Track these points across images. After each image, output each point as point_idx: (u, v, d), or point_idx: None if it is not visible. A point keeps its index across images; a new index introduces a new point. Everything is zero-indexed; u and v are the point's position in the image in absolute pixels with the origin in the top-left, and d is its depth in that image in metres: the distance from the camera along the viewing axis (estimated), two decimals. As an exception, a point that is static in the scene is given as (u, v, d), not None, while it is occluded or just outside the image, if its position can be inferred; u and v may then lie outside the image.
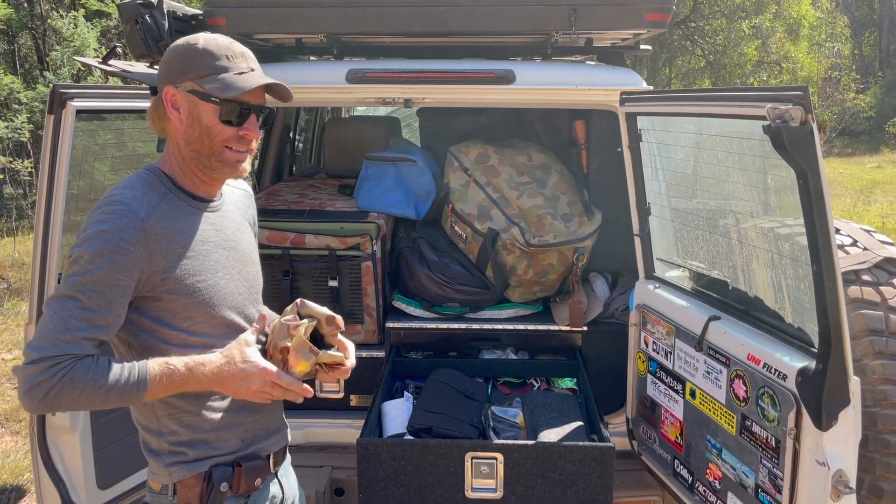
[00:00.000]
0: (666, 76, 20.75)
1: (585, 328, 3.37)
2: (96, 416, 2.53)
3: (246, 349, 1.63)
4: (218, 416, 1.70)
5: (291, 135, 5.33)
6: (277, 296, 3.38)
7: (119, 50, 3.31)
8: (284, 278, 3.35)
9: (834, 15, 26.04)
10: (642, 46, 3.60)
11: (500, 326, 3.44)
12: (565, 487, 2.61)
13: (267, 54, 3.58)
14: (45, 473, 2.49)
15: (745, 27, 18.68)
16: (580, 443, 2.65)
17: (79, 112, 2.34)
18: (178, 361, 1.56)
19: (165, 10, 3.10)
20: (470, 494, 2.63)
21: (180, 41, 1.67)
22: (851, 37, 30.02)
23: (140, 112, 2.80)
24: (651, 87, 3.15)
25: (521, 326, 3.43)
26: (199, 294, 1.63)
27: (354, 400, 3.37)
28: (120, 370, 1.51)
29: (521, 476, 2.62)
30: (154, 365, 1.54)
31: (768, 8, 18.86)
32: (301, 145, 5.85)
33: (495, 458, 2.60)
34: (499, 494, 2.62)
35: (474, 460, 2.61)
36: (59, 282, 2.43)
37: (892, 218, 11.99)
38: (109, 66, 3.24)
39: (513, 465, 2.61)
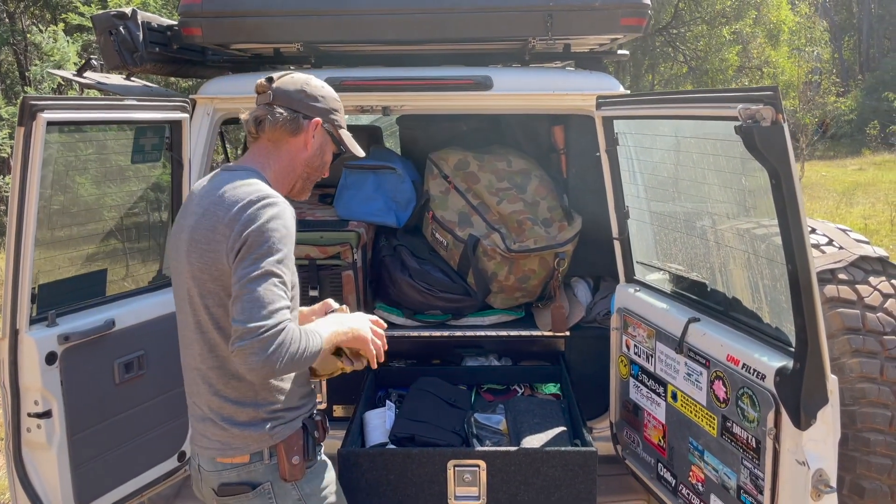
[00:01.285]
0: (649, 83, 20.88)
1: (568, 333, 3.37)
2: (73, 432, 2.50)
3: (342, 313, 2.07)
4: (299, 384, 2.00)
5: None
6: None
7: (95, 62, 3.30)
8: (265, 289, 3.32)
9: (813, 20, 26.30)
10: (620, 51, 3.62)
11: (482, 333, 3.43)
12: (549, 493, 2.61)
13: (244, 64, 3.57)
14: (22, 491, 2.45)
15: (726, 33, 18.83)
16: (563, 448, 2.65)
17: (51, 124, 2.31)
18: (318, 326, 1.89)
19: (140, 22, 3.09)
20: (453, 503, 2.61)
21: (330, 89, 2.05)
22: (831, 41, 30.36)
23: (116, 123, 2.78)
24: (627, 91, 3.16)
25: (503, 333, 3.42)
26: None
27: (338, 410, 3.35)
28: (308, 335, 1.77)
29: (505, 483, 2.61)
30: (317, 329, 1.84)
31: (748, 13, 19.02)
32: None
33: (478, 466, 2.60)
34: (482, 502, 2.61)
35: (457, 468, 2.60)
36: (33, 301, 2.41)
37: (874, 219, 12.10)
38: (85, 78, 3.22)
39: (496, 472, 2.61)
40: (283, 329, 1.69)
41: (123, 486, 2.71)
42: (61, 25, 11.27)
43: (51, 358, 2.41)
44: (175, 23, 3.20)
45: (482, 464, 2.60)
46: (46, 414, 2.42)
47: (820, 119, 21.04)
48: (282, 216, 1.79)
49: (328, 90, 2.04)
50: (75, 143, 2.92)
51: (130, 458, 2.73)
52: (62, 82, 10.62)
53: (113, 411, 2.65)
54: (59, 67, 10.66)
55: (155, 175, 3.21)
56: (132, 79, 3.43)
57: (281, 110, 1.93)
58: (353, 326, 1.97)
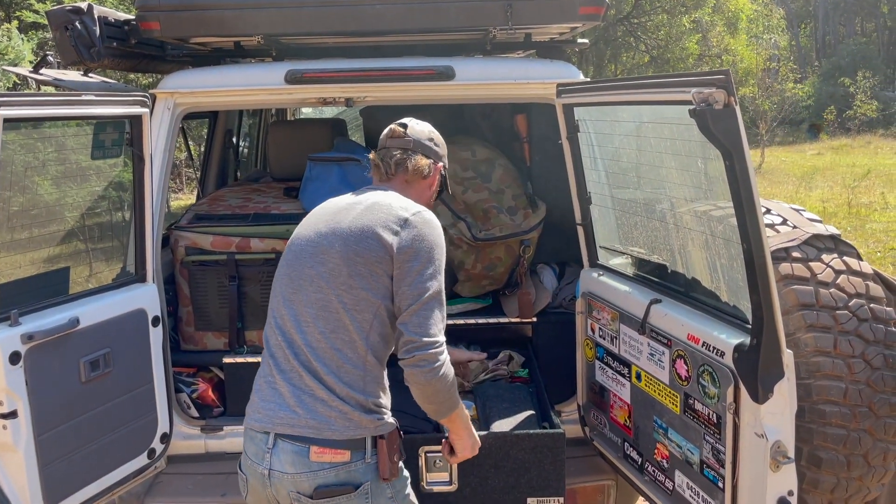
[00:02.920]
0: (612, 72, 21.07)
1: (535, 319, 3.41)
2: (40, 432, 2.47)
3: None
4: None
5: (235, 140, 5.28)
6: (224, 302, 3.35)
7: (51, 59, 3.25)
8: (231, 283, 3.32)
9: (770, 7, 26.76)
10: (580, 40, 3.66)
11: (450, 322, 3.45)
12: (518, 476, 2.65)
13: (205, 58, 3.55)
14: (-11, 493, 2.43)
15: (686, 22, 19.09)
16: (531, 431, 2.69)
17: (7, 121, 2.28)
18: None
19: (96, 16, 3.05)
20: (425, 488, 2.65)
21: (438, 133, 2.38)
22: (788, 28, 30.89)
23: (74, 119, 2.75)
24: (588, 80, 3.21)
25: (471, 321, 3.46)
26: None
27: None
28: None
29: (475, 467, 2.64)
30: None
31: (707, 2, 19.29)
32: (246, 151, 5.80)
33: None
34: (453, 486, 2.66)
35: (428, 454, 2.64)
36: None
37: (832, 202, 12.39)
38: (41, 75, 3.17)
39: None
40: (445, 349, 2.05)
41: (93, 484, 2.69)
42: (15, 23, 11.01)
43: (14, 358, 2.38)
44: (133, 17, 3.17)
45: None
46: (12, 414, 2.39)
47: (810, 124, 21.54)
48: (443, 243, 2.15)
49: (441, 138, 2.39)
50: (33, 143, 2.88)
51: (99, 456, 2.71)
52: (18, 81, 10.39)
53: (80, 410, 2.63)
54: (15, 66, 10.43)
55: (115, 173, 3.18)
56: (90, 75, 3.38)
57: (420, 157, 2.26)
58: (475, 442, 2.29)
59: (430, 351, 1.98)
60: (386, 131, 2.32)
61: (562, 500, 2.67)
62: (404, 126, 2.29)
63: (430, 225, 2.11)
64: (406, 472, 2.18)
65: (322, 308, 2.05)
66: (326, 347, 2.04)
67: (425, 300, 2.01)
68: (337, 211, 2.18)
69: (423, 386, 2.02)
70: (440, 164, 2.34)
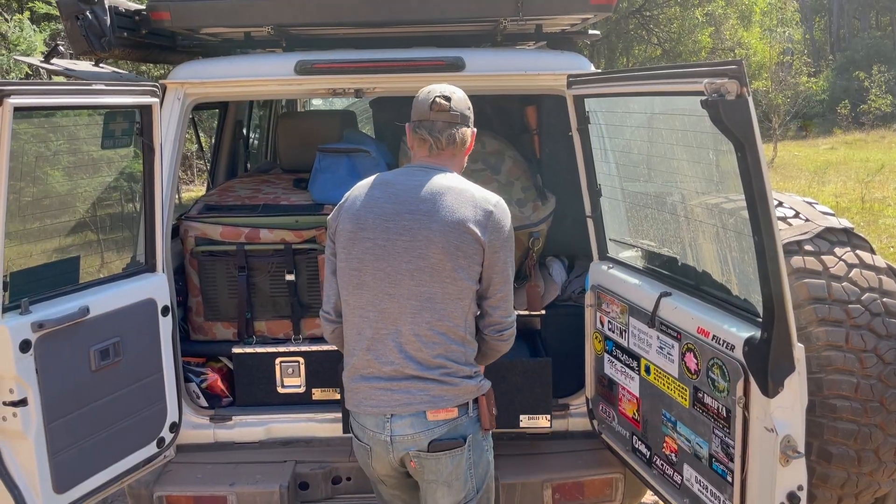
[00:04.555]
0: (623, 66, 20.96)
1: (543, 311, 3.40)
2: (50, 420, 2.49)
3: None
4: None
5: (245, 131, 5.28)
6: (233, 292, 3.35)
7: (62, 48, 3.25)
8: (240, 274, 3.33)
9: (784, 1, 26.53)
10: (591, 31, 3.64)
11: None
12: (512, 397, 3.06)
13: (214, 49, 3.55)
14: (-1, 480, 2.45)
15: (699, 15, 18.94)
16: (522, 359, 3.14)
17: (18, 109, 2.28)
18: None
19: (107, 6, 3.05)
20: None
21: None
22: (802, 22, 30.63)
23: (84, 108, 2.75)
24: (598, 70, 3.19)
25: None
26: None
27: (317, 394, 3.36)
28: None
29: None
30: None
31: (720, -5, 19.16)
32: (256, 142, 5.81)
33: None
34: None
35: None
36: (4, 289, 2.40)
37: (845, 197, 12.30)
38: (52, 64, 3.18)
39: None
40: None
41: (102, 472, 2.71)
42: (27, 14, 11.05)
43: (25, 346, 2.40)
44: (143, 7, 3.17)
45: None
46: (22, 402, 2.41)
47: (800, 125, 21.37)
48: None
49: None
50: (45, 133, 2.89)
51: (109, 444, 2.73)
52: (30, 71, 10.44)
53: (90, 398, 2.64)
54: (27, 56, 10.47)
55: (125, 163, 3.19)
56: (101, 65, 3.39)
57: (465, 129, 2.33)
58: None
59: (513, 329, 2.34)
60: (427, 103, 2.29)
61: (549, 416, 3.10)
62: (448, 98, 2.29)
63: (507, 215, 2.30)
64: None
65: (427, 300, 2.20)
66: (433, 334, 2.21)
67: (509, 286, 2.30)
68: (411, 200, 2.23)
69: (501, 351, 2.37)
70: (474, 129, 2.41)
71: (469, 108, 2.36)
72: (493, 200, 2.27)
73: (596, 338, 3.05)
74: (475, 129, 2.40)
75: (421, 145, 2.33)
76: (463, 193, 2.24)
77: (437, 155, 2.32)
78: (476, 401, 2.29)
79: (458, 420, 2.25)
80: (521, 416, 3.08)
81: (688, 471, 2.47)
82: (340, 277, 2.29)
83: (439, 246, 2.18)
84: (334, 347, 3.37)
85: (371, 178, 2.35)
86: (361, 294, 2.25)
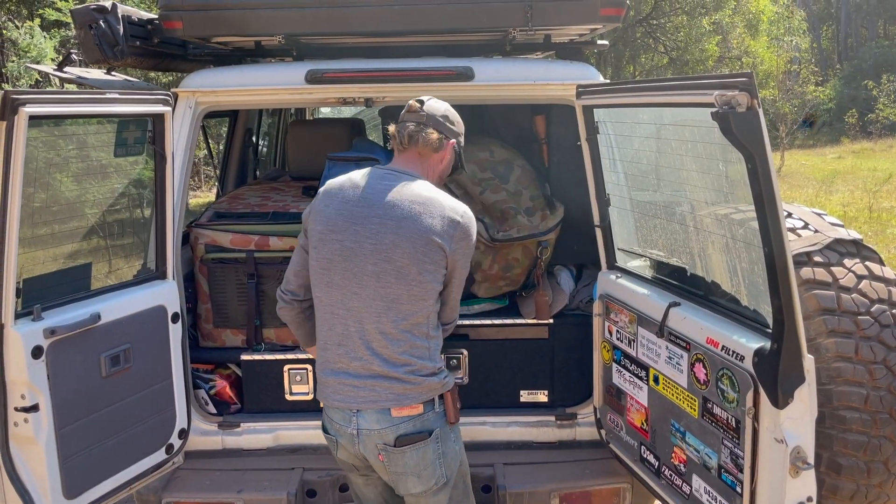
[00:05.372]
0: (630, 74, 20.98)
1: (551, 321, 3.40)
2: (60, 426, 2.50)
3: None
4: None
5: (254, 138, 5.31)
6: (242, 299, 3.37)
7: (75, 57, 3.28)
8: (250, 281, 3.34)
9: (791, 9, 26.53)
10: (599, 42, 3.65)
11: (467, 322, 3.46)
12: (514, 374, 3.34)
13: (225, 58, 3.57)
14: (10, 485, 2.45)
15: (706, 23, 18.95)
16: (523, 338, 3.35)
17: (33, 118, 2.31)
18: None
19: (120, 15, 3.08)
20: None
21: (455, 111, 2.51)
22: (809, 30, 30.61)
23: (98, 117, 2.78)
24: (607, 81, 3.20)
25: (487, 321, 3.45)
26: None
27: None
28: None
29: (481, 367, 3.34)
30: None
31: (727, 4, 19.14)
32: (265, 150, 5.83)
33: (461, 353, 3.32)
34: (465, 381, 3.32)
35: (446, 356, 3.26)
36: (17, 296, 2.42)
37: (852, 206, 12.27)
38: (65, 73, 3.21)
39: (475, 357, 3.34)
40: None
41: (112, 478, 2.72)
42: (38, 21, 11.14)
43: (37, 352, 2.42)
44: (156, 16, 3.20)
45: (465, 351, 3.31)
46: (34, 408, 2.42)
47: (806, 116, 21.22)
48: None
49: (459, 117, 2.52)
50: (55, 140, 2.91)
51: (118, 451, 2.74)
52: (40, 78, 10.52)
53: (100, 404, 2.65)
54: (37, 63, 10.55)
55: (136, 171, 3.21)
56: (113, 73, 3.42)
57: (431, 131, 2.39)
58: None
59: (451, 329, 2.57)
60: (406, 106, 2.46)
61: (547, 392, 3.35)
62: (421, 102, 2.43)
63: (473, 225, 2.39)
64: None
65: (393, 301, 2.30)
66: (398, 332, 2.31)
67: (460, 289, 2.47)
68: (380, 205, 2.32)
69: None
70: (453, 140, 2.47)
71: (446, 118, 2.45)
72: (460, 211, 2.36)
73: (604, 347, 3.06)
74: (456, 141, 2.48)
75: (392, 142, 2.47)
76: (431, 202, 2.33)
77: (403, 153, 2.44)
78: (441, 397, 2.39)
79: (423, 416, 2.36)
80: (522, 392, 3.37)
81: (697, 481, 2.47)
82: (312, 275, 2.40)
83: (406, 251, 2.28)
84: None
85: (342, 179, 2.44)
86: (331, 292, 2.36)
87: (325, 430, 2.50)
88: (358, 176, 2.43)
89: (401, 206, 2.31)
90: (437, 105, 2.46)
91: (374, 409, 2.32)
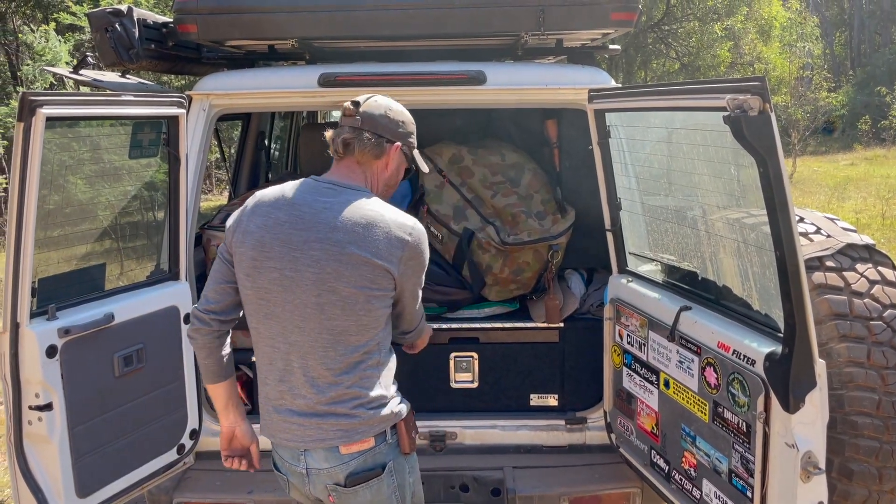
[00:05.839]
0: (641, 79, 20.95)
1: (562, 324, 3.41)
2: (73, 425, 2.53)
3: None
4: None
5: (266, 141, 5.34)
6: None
7: (90, 59, 3.32)
8: (261, 283, 3.35)
9: (804, 15, 26.44)
10: (611, 46, 3.65)
11: (477, 325, 3.47)
12: (524, 377, 3.37)
13: (238, 61, 3.60)
14: (24, 483, 2.48)
15: (718, 29, 18.93)
16: (534, 342, 3.38)
17: (50, 120, 2.34)
18: None
19: (136, 19, 3.11)
20: (453, 386, 3.37)
21: (407, 113, 2.25)
22: (822, 36, 30.48)
23: (114, 118, 2.80)
24: (619, 85, 3.20)
25: (498, 325, 3.46)
26: None
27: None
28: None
29: (491, 370, 3.38)
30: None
31: (740, 10, 19.12)
32: (277, 152, 5.87)
33: (472, 357, 3.38)
34: (475, 384, 3.38)
35: (456, 359, 3.36)
36: (33, 295, 2.45)
37: (865, 213, 12.19)
38: (81, 75, 3.24)
39: (485, 361, 3.37)
40: None
41: (124, 478, 2.74)
42: (52, 25, 11.25)
43: (51, 351, 2.44)
44: (171, 20, 3.23)
45: (475, 355, 3.37)
46: (47, 406, 2.45)
47: (825, 123, 21.09)
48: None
49: (406, 114, 2.24)
50: (69, 143, 2.95)
51: (130, 450, 2.76)
52: (54, 81, 10.61)
53: (113, 404, 2.68)
54: (52, 66, 10.65)
55: (149, 173, 3.24)
56: (127, 76, 3.45)
57: (368, 135, 2.12)
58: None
59: (415, 340, 2.43)
60: (342, 109, 2.20)
61: (557, 396, 3.38)
62: (357, 104, 2.15)
63: (423, 239, 2.14)
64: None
65: (340, 333, 2.07)
66: (346, 366, 2.08)
67: (416, 303, 2.26)
68: (320, 226, 2.05)
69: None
70: (398, 143, 2.18)
71: (387, 118, 2.16)
72: (407, 228, 2.09)
73: (614, 351, 3.06)
74: (402, 144, 2.20)
75: (331, 152, 2.21)
76: (375, 221, 2.06)
77: (341, 162, 2.17)
78: (395, 426, 2.17)
79: (375, 449, 2.14)
80: (532, 396, 3.39)
81: (707, 486, 2.46)
82: (247, 304, 2.15)
83: (350, 280, 2.04)
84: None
85: (275, 193, 2.14)
86: (271, 325, 2.11)
87: (275, 468, 2.28)
88: (293, 191, 2.13)
89: (342, 228, 2.04)
90: (376, 104, 2.17)
91: (322, 447, 2.10)
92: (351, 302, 2.05)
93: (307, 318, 2.07)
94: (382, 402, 2.13)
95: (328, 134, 2.20)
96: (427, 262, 2.19)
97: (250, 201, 2.18)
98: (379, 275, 2.06)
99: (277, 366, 2.13)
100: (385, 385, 2.15)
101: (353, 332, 2.08)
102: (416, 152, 2.28)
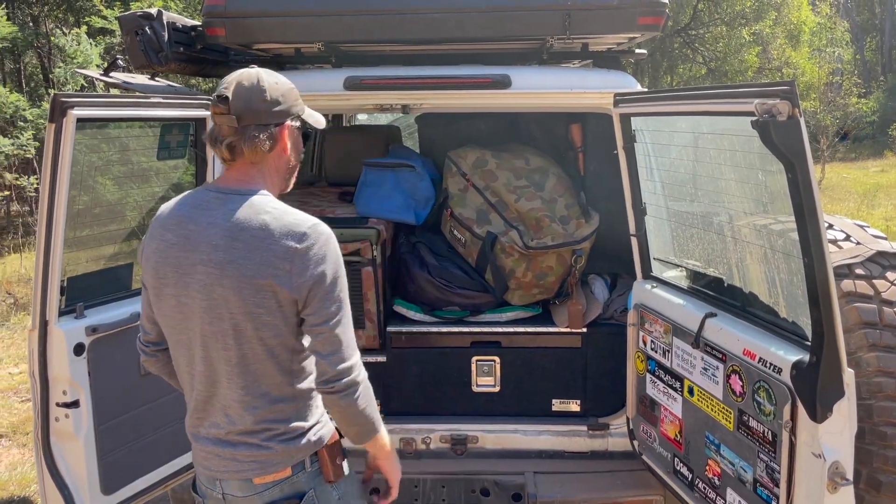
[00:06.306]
0: (667, 84, 20.80)
1: (585, 329, 3.39)
2: (99, 422, 2.56)
3: None
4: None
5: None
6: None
7: (120, 62, 3.37)
8: (285, 284, 3.36)
9: (834, 20, 26.09)
10: (637, 50, 3.63)
11: (500, 329, 3.46)
12: (546, 381, 3.38)
13: (265, 64, 3.63)
14: (50, 479, 2.52)
15: (746, 34, 18.71)
16: (556, 346, 3.38)
17: (80, 121, 2.37)
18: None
19: (165, 22, 3.15)
20: (475, 390, 3.38)
21: (280, 79, 1.91)
22: (852, 42, 30.06)
23: (143, 120, 2.84)
24: (645, 90, 3.18)
25: (521, 329, 3.45)
26: None
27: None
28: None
29: (513, 374, 3.38)
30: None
31: (768, 14, 18.89)
32: (302, 155, 5.88)
33: (494, 360, 3.36)
34: (497, 389, 3.38)
35: (478, 362, 3.36)
36: (62, 294, 2.48)
37: (895, 221, 11.98)
38: (111, 77, 3.29)
39: (507, 365, 3.38)
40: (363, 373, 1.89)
41: (148, 475, 2.77)
42: (84, 28, 11.43)
43: (79, 349, 2.48)
44: (199, 23, 3.27)
45: (497, 359, 3.36)
46: (74, 404, 2.48)
47: (840, 127, 20.79)
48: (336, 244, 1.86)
49: (282, 82, 1.91)
50: (98, 144, 2.99)
51: (154, 448, 2.79)
52: (84, 83, 10.78)
53: (138, 402, 2.71)
54: (83, 69, 10.82)
55: (176, 175, 3.28)
56: (156, 78, 3.50)
57: (254, 132, 1.83)
58: (398, 465, 2.12)
59: (345, 380, 1.83)
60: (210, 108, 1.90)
61: (579, 402, 3.37)
62: (224, 99, 1.82)
63: (321, 241, 1.82)
64: (348, 469, 2.05)
65: (238, 364, 1.86)
66: (252, 398, 1.90)
67: (332, 325, 1.83)
68: (204, 246, 1.83)
69: (345, 411, 1.89)
70: (286, 122, 1.90)
71: (265, 101, 1.85)
72: (298, 233, 1.79)
73: (638, 357, 3.03)
74: (291, 120, 1.92)
75: (217, 157, 1.94)
76: (260, 232, 1.79)
77: (233, 165, 1.89)
78: (317, 453, 1.97)
79: (292, 478, 1.95)
80: (554, 401, 3.39)
81: (731, 495, 2.43)
82: (163, 328, 1.98)
83: (235, 305, 1.81)
84: (371, 359, 3.44)
85: (166, 211, 1.94)
86: (181, 352, 1.95)
87: (193, 489, 2.14)
88: (182, 207, 1.90)
89: (223, 247, 1.80)
90: (247, 91, 1.84)
91: (236, 478, 1.95)
92: (240, 329, 1.82)
93: (208, 348, 1.88)
94: (299, 432, 1.94)
95: (206, 138, 1.95)
96: (336, 269, 1.83)
97: (155, 219, 1.97)
98: (263, 296, 1.79)
99: (192, 395, 1.98)
100: (302, 416, 1.95)
101: (251, 360, 1.86)
102: (305, 112, 1.98)
